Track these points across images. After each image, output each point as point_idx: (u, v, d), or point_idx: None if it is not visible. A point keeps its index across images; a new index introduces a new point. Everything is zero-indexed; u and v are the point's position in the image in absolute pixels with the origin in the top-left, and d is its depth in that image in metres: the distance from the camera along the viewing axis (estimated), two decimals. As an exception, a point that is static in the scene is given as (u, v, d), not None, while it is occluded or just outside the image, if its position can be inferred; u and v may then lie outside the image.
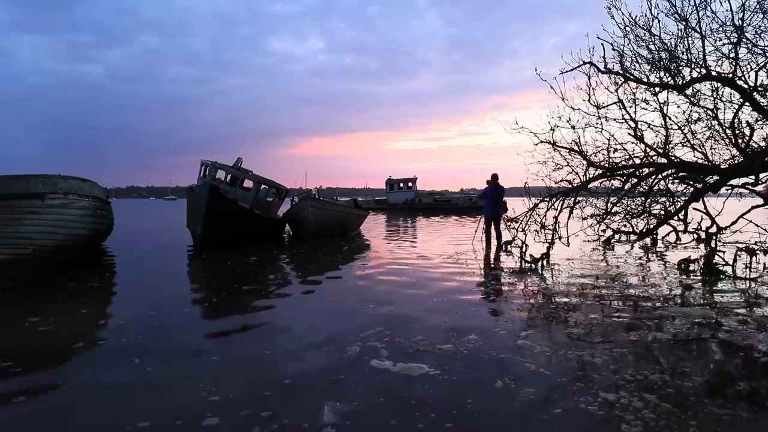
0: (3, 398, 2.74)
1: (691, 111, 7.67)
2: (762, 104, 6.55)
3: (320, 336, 3.87)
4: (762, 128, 7.16)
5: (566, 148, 8.33)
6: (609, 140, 8.10)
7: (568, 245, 8.53)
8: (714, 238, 8.19)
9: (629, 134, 7.96)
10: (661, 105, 7.61)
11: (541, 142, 8.47)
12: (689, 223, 8.98)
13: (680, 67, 7.03)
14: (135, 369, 3.16)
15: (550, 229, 8.34)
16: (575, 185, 8.20)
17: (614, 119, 7.99)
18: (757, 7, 6.16)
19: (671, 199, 8.73)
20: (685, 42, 6.84)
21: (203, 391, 2.78)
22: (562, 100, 7.99)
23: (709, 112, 7.46)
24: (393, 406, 2.58)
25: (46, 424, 2.45)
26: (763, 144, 7.08)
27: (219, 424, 2.39)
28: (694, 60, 6.85)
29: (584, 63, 7.67)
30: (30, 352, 3.57)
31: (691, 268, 7.04)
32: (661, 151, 7.78)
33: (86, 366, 3.28)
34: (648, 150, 7.92)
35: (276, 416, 2.45)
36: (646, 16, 7.08)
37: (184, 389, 2.83)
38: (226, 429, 2.35)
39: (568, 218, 8.51)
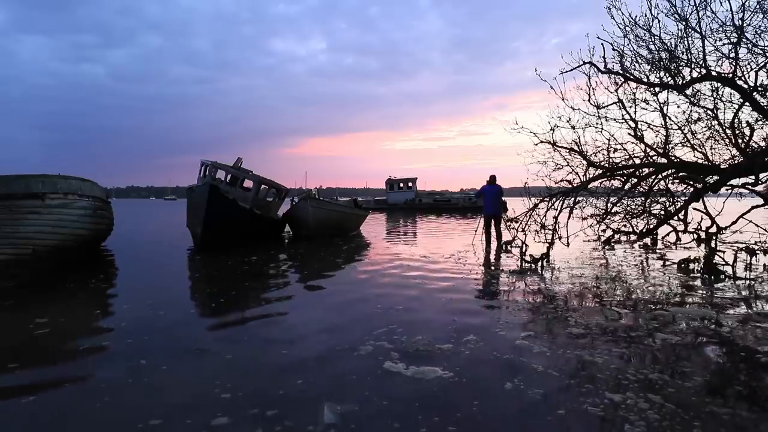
0: (10, 398, 2.76)
1: (691, 111, 7.71)
2: (762, 104, 6.58)
3: (327, 336, 3.88)
4: (762, 128, 7.19)
5: (566, 148, 8.36)
6: (609, 140, 8.13)
7: (568, 245, 8.56)
8: (714, 238, 8.21)
9: (629, 134, 8.00)
10: (661, 105, 7.64)
11: (541, 142, 8.50)
12: (689, 223, 9.00)
13: (680, 67, 7.05)
14: (142, 369, 3.17)
15: (550, 229, 8.36)
16: (575, 185, 8.23)
17: (614, 119, 8.03)
18: (757, 7, 6.20)
19: (671, 199, 8.75)
20: (685, 42, 6.87)
21: (212, 390, 2.79)
22: (562, 100, 8.03)
23: (709, 112, 7.49)
24: (397, 407, 2.59)
25: (55, 423, 2.46)
26: (763, 144, 7.11)
27: (228, 423, 2.40)
28: (694, 60, 6.88)
29: (584, 63, 7.70)
30: (35, 352, 3.58)
31: (691, 268, 7.06)
32: (661, 151, 7.80)
33: (93, 366, 3.28)
34: (648, 150, 7.95)
35: (283, 417, 2.46)
36: (646, 16, 7.12)
37: (192, 389, 2.85)
38: (235, 429, 2.36)
39: (568, 218, 8.53)
